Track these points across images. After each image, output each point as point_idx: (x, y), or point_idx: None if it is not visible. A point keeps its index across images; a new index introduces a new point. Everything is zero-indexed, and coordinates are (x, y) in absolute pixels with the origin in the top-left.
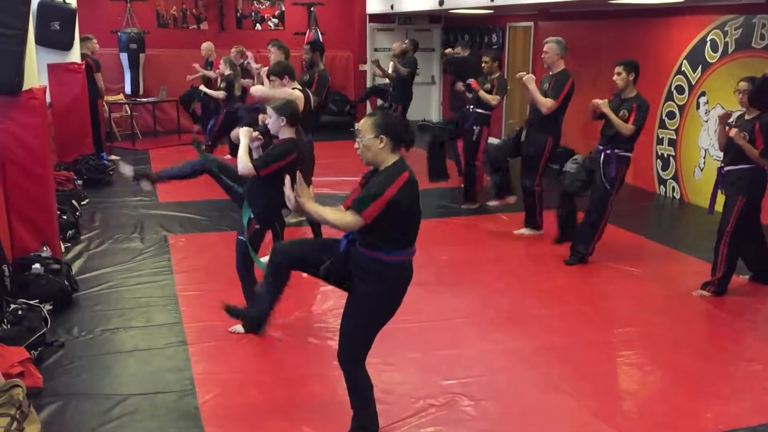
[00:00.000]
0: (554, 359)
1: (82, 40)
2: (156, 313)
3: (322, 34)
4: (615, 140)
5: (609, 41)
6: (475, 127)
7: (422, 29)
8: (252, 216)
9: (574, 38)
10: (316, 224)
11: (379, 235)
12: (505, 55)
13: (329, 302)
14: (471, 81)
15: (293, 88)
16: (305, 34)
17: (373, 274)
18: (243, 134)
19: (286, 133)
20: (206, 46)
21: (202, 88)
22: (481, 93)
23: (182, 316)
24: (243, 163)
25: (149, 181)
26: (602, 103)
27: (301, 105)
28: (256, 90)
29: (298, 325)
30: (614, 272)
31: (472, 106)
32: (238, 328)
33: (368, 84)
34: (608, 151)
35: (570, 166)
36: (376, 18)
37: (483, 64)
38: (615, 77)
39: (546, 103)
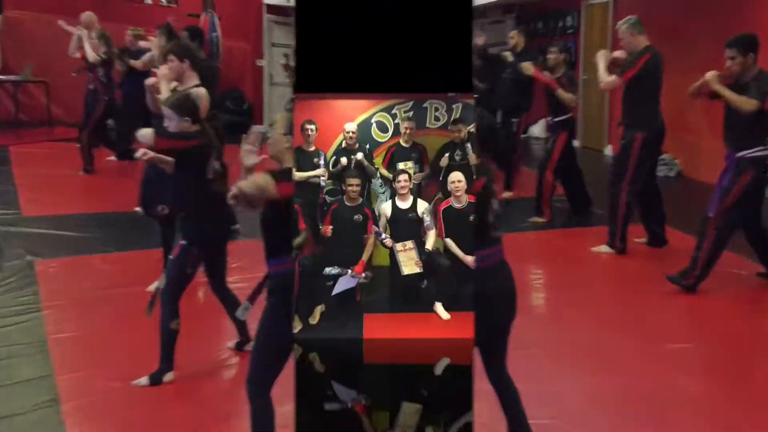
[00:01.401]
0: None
1: None
2: (20, 367)
3: (218, 19)
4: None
5: (701, 12)
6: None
7: (497, 21)
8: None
9: (657, 10)
10: None
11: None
12: (581, 39)
13: (221, 343)
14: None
15: (195, 85)
16: (200, 16)
17: None
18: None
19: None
20: (86, 16)
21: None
22: (560, 92)
23: (53, 366)
24: None
25: None
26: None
27: (205, 104)
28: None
29: (193, 372)
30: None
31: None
32: (143, 380)
33: (265, 82)
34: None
35: None
36: (274, 9)
37: (549, 55)
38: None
39: (605, 78)
